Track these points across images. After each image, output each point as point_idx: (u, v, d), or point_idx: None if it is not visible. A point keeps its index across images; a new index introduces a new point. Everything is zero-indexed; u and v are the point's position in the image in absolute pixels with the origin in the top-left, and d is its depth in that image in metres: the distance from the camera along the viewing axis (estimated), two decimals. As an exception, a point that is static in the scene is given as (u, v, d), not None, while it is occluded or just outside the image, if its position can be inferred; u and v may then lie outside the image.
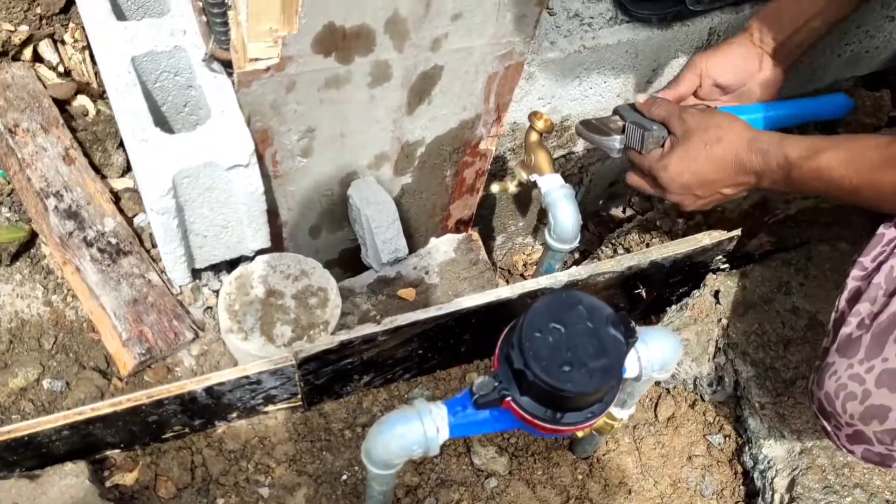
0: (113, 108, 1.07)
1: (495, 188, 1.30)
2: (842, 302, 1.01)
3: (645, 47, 1.38)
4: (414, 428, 0.85)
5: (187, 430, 1.22)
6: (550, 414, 0.82)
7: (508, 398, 0.82)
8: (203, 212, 1.15)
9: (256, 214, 1.18)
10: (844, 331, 0.98)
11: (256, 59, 1.08)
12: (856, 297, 1.00)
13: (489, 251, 1.63)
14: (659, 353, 0.90)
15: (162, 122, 1.24)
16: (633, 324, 0.83)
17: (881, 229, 1.03)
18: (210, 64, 1.11)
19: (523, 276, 1.87)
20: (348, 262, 1.62)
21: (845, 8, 1.23)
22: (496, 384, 0.82)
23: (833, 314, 1.02)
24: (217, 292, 1.29)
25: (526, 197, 1.70)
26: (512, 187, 1.32)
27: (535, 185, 1.23)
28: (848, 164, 0.98)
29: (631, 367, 0.94)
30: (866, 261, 1.02)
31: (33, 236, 1.25)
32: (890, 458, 0.97)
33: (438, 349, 1.28)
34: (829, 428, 1.01)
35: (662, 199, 1.26)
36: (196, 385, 1.13)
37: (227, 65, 1.11)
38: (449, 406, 0.86)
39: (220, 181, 1.10)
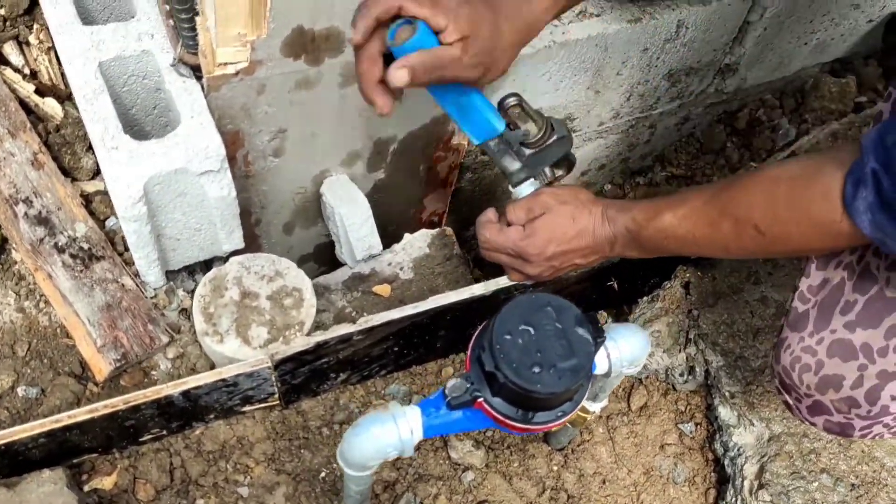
0: (82, 115, 1.06)
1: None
2: (799, 285, 1.03)
3: (615, 41, 1.39)
4: (388, 430, 0.87)
5: (165, 432, 1.23)
6: (522, 414, 0.84)
7: (480, 399, 0.84)
8: (175, 216, 1.15)
9: (229, 217, 1.18)
10: (795, 306, 1.00)
11: (226, 64, 1.07)
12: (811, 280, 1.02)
13: (463, 242, 1.64)
14: (628, 349, 0.92)
15: (132, 125, 1.23)
16: (600, 323, 0.85)
17: None
18: (178, 68, 1.10)
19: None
20: (323, 256, 1.63)
21: None
22: (468, 385, 0.83)
23: (791, 295, 1.04)
24: (192, 293, 1.29)
25: (498, 188, 1.71)
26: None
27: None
28: (686, 220, 0.98)
29: (601, 364, 0.96)
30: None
31: (4, 242, 1.24)
32: (849, 427, 1.00)
33: (414, 346, 1.30)
34: (790, 401, 1.03)
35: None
36: (172, 389, 1.14)
37: (196, 69, 1.11)
38: (422, 407, 0.87)
39: (191, 186, 1.10)
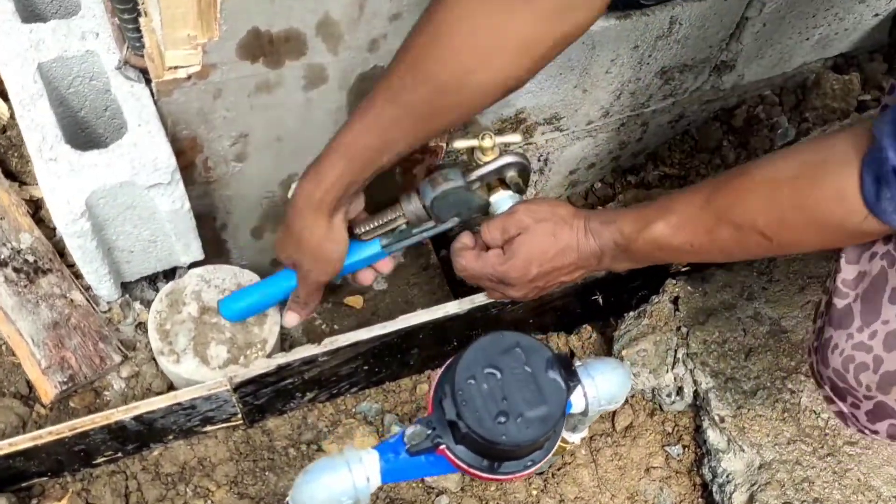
0: (18, 122, 0.97)
1: (457, 144, 1.16)
2: (833, 283, 0.95)
3: (602, 38, 1.30)
4: (341, 478, 0.80)
5: (120, 454, 1.16)
6: (487, 464, 0.77)
7: (443, 446, 0.76)
8: (126, 229, 1.07)
9: (184, 230, 1.10)
10: (835, 304, 0.92)
11: (176, 68, 0.99)
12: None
13: (440, 245, 1.57)
14: (606, 387, 0.85)
15: (82, 128, 1.15)
16: (574, 366, 0.78)
17: None
18: (125, 71, 1.01)
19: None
20: (296, 260, 1.55)
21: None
22: (429, 432, 0.76)
23: (822, 297, 0.96)
24: (150, 305, 1.22)
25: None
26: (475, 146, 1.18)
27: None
28: (681, 230, 0.91)
29: (577, 403, 0.89)
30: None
31: (-53, 251, 1.17)
32: None
33: (386, 364, 1.22)
34: (845, 410, 0.94)
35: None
36: (124, 415, 1.06)
37: (145, 72, 1.02)
38: (381, 451, 0.80)
39: (140, 199, 1.02)
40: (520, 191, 1.09)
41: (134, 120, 1.00)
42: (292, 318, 1.11)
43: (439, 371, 0.84)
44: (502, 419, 0.74)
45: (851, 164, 0.76)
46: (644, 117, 1.59)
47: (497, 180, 1.09)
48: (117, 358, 1.12)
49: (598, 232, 0.99)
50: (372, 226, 1.07)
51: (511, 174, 1.06)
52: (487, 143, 1.09)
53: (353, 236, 1.06)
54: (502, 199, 1.10)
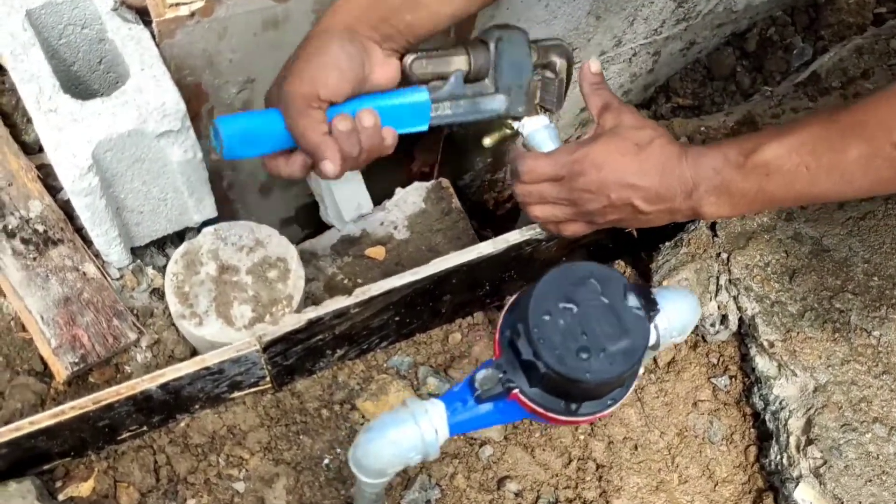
0: (11, 75, 0.90)
1: (487, 142, 1.11)
2: None
3: (618, -44, 1.24)
4: (409, 432, 0.74)
5: (146, 427, 1.09)
6: (565, 405, 0.71)
7: (515, 390, 0.71)
8: (135, 186, 1.00)
9: (198, 183, 1.03)
10: None
11: (178, 4, 0.91)
12: None
13: (457, 192, 1.50)
14: (678, 316, 0.79)
15: (76, 83, 1.07)
16: (653, 294, 0.72)
17: None
18: (122, 13, 0.94)
19: (495, 215, 1.74)
20: (306, 218, 1.48)
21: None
22: (500, 375, 0.70)
23: None
24: (163, 270, 1.14)
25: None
26: (505, 133, 1.11)
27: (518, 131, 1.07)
28: (799, 149, 0.82)
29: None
30: None
31: (-58, 226, 1.09)
32: None
33: (417, 313, 1.16)
34: None
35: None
36: (149, 383, 1.00)
37: (144, 12, 0.94)
38: (447, 401, 0.74)
39: (150, 150, 0.95)
40: (558, 95, 1.02)
41: (136, 64, 0.92)
42: (328, 166, 0.90)
43: (501, 313, 0.77)
44: (584, 355, 0.68)
45: None
46: (656, 45, 1.53)
47: (536, 106, 1.02)
48: (132, 335, 1.05)
49: (696, 158, 0.88)
50: (425, 64, 0.92)
51: (556, 59, 0.99)
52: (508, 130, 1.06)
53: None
54: (536, 131, 1.03)
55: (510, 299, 0.76)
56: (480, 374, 0.71)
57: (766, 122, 1.40)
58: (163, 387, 1.01)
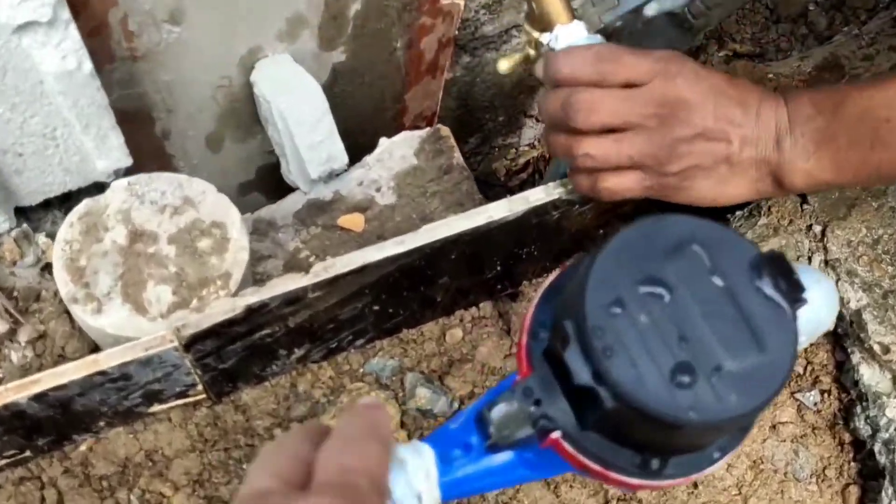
0: None
1: (504, 66, 0.81)
2: None
3: None
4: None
5: (29, 452, 0.80)
6: (641, 461, 0.41)
7: (556, 434, 0.40)
8: (1, 112, 0.70)
9: (91, 112, 0.73)
10: None
11: None
12: None
13: (464, 149, 1.21)
14: (811, 311, 0.49)
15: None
16: (795, 272, 0.42)
17: None
18: None
19: (507, 188, 1.44)
20: (271, 183, 1.18)
21: None
22: (531, 409, 0.40)
23: None
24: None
25: (507, 79, 1.26)
26: (528, 54, 0.81)
27: (547, 47, 0.77)
28: None
29: None
30: None
31: None
32: None
33: (403, 302, 0.86)
34: None
35: None
36: (16, 394, 0.70)
37: None
38: (438, 446, 0.43)
39: (10, 55, 0.65)
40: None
41: (-15, -77, 0.62)
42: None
43: (535, 298, 0.47)
44: (684, 378, 0.38)
45: None
46: (712, -26, 1.22)
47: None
48: (1, 326, 0.75)
49: (795, 97, 0.66)
50: None
51: None
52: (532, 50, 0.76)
53: None
54: (576, 42, 0.73)
55: (549, 278, 0.45)
56: (498, 410, 0.40)
57: (854, 67, 1.10)
58: (39, 398, 0.72)
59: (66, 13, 0.65)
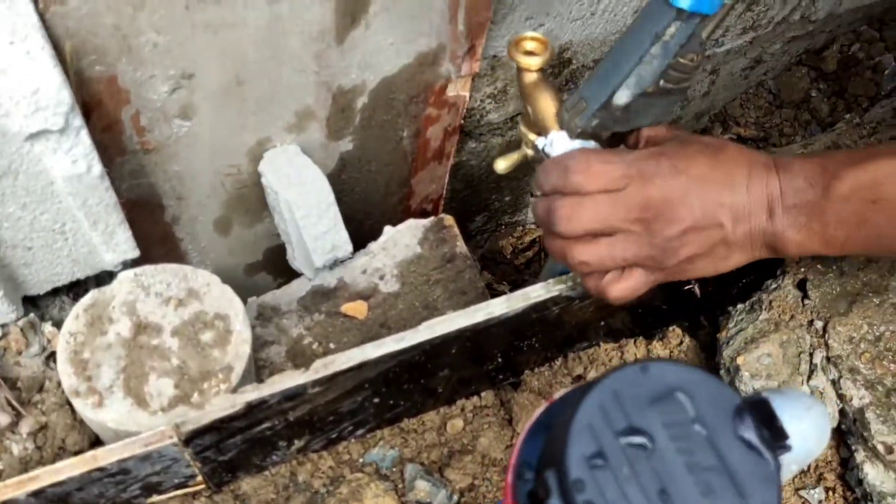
0: None
1: (501, 166, 0.83)
2: None
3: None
4: None
5: (27, 544, 0.80)
6: None
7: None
8: (10, 211, 0.72)
9: (100, 209, 0.75)
10: None
11: (63, -49, 0.64)
12: None
13: (467, 238, 1.22)
14: (800, 441, 0.49)
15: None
16: (778, 419, 0.42)
17: None
18: (-11, -36, 0.66)
19: (513, 266, 1.45)
20: (278, 264, 1.19)
21: None
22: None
23: None
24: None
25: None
26: (525, 154, 0.83)
27: (542, 151, 0.79)
28: None
29: None
30: None
31: None
32: None
33: (403, 393, 0.86)
34: None
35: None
36: (15, 490, 0.71)
37: (20, -35, 0.67)
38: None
39: (21, 160, 0.67)
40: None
41: (4, 36, 0.64)
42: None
43: (520, 438, 0.47)
44: None
45: None
46: (715, 61, 1.25)
47: None
48: (3, 418, 0.76)
49: (786, 166, 0.65)
50: None
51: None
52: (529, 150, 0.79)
53: None
54: (570, 146, 0.75)
55: (533, 417, 0.46)
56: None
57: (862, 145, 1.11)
58: (37, 495, 0.72)
59: (77, 120, 0.67)
